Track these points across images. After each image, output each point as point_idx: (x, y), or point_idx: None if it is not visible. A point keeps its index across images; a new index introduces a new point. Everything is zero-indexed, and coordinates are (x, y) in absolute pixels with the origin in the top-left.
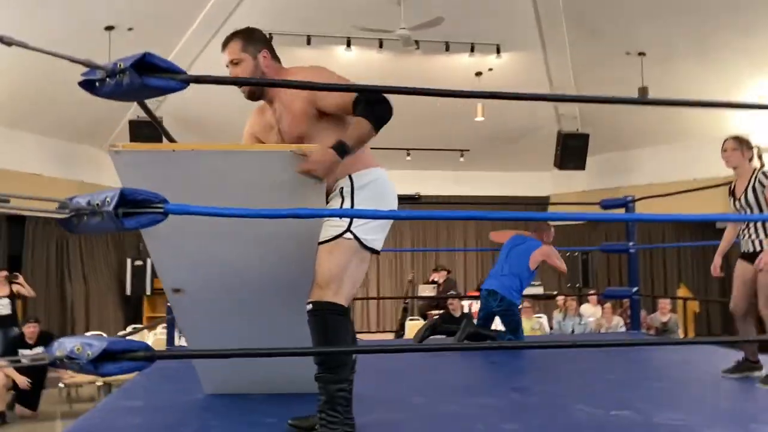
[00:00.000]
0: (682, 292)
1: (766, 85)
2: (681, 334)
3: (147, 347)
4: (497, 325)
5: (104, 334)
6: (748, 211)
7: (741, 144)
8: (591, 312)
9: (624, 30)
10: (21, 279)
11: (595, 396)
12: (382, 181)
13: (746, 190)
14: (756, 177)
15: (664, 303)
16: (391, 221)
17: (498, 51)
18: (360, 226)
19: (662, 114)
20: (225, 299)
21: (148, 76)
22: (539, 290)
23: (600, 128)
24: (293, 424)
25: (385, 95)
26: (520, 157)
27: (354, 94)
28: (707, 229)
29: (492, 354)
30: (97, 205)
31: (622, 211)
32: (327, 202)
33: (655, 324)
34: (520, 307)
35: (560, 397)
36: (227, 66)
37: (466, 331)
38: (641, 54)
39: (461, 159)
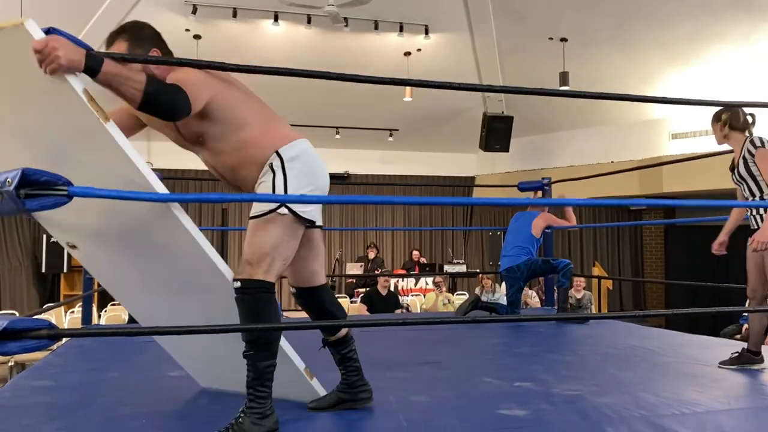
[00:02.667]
0: (597, 271)
1: (679, 76)
2: (594, 310)
3: (50, 325)
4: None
5: (16, 314)
6: (743, 184)
7: (718, 120)
8: None
9: (547, 16)
10: None
11: (503, 369)
12: (311, 154)
13: (738, 162)
14: (745, 147)
15: (579, 281)
16: (327, 188)
17: (426, 32)
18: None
19: (583, 99)
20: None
21: None
22: (462, 268)
23: (524, 111)
24: (313, 408)
25: (180, 96)
26: (447, 137)
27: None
28: (622, 211)
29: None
30: None
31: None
32: (257, 184)
33: (570, 300)
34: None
35: (470, 370)
36: None
37: (471, 304)
38: (563, 40)
39: (390, 138)
